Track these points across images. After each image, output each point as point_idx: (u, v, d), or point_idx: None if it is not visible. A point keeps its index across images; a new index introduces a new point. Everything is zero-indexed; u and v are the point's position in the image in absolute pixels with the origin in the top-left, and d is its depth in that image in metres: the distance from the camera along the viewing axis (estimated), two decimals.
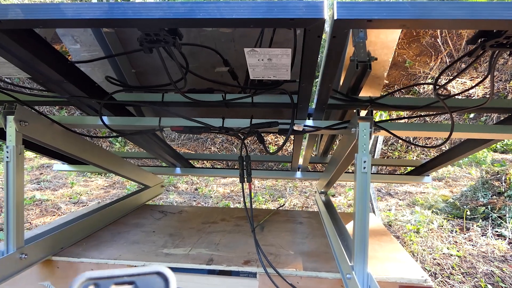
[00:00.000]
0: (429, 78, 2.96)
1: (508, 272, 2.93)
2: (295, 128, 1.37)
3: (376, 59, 1.29)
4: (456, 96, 1.63)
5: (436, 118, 4.58)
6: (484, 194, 4.12)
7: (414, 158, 4.53)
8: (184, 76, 1.21)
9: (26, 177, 6.12)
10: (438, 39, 3.03)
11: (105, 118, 1.49)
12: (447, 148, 2.05)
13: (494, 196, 4.02)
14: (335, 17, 0.80)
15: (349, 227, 2.03)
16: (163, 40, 0.96)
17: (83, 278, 0.35)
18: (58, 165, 2.48)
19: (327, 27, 0.96)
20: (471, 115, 3.86)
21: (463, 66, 3.76)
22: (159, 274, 0.36)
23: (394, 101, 1.46)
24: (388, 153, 4.67)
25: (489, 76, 1.07)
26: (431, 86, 3.71)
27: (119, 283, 0.35)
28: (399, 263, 1.51)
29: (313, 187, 5.57)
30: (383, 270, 1.43)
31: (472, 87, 1.23)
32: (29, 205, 4.78)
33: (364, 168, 1.19)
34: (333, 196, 5.08)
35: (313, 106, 1.44)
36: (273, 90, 1.32)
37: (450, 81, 1.13)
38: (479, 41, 0.94)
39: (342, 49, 0.94)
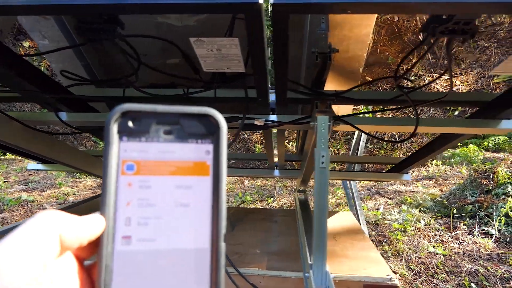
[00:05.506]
0: (412, 75, 2.95)
1: (492, 271, 2.90)
2: (256, 123, 1.33)
3: (337, 51, 1.24)
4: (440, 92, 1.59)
5: (422, 114, 4.55)
6: (472, 193, 4.09)
7: (401, 156, 4.49)
8: (135, 71, 1.16)
9: (14, 178, 6.07)
10: (420, 36, 2.99)
11: (64, 114, 1.44)
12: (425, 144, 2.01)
13: (482, 195, 3.99)
14: (271, 1, 0.76)
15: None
16: (101, 29, 0.91)
17: (121, 110, 0.30)
18: (31, 164, 2.43)
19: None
20: (456, 112, 3.84)
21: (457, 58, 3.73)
22: (209, 117, 0.32)
23: (359, 94, 1.42)
24: (374, 151, 4.63)
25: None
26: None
27: (162, 121, 0.31)
28: (367, 261, 1.47)
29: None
30: (349, 268, 1.39)
31: (434, 80, 1.20)
32: (14, 206, 4.72)
33: (322, 163, 1.15)
34: None
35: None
36: (231, 84, 1.28)
37: (407, 71, 1.09)
38: (430, 27, 0.90)
39: (286, 37, 0.89)
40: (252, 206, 4.68)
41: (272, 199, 4.89)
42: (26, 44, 3.19)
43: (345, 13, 0.78)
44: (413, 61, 2.78)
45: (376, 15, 1.68)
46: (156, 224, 0.30)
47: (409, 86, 1.27)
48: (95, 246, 0.30)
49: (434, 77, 2.83)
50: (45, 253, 0.26)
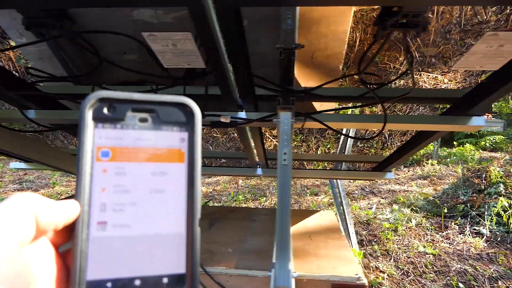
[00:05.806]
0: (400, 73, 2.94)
1: (481, 271, 2.87)
2: (223, 120, 1.31)
3: (303, 46, 1.22)
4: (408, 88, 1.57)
5: (413, 111, 4.50)
6: (465, 192, 4.06)
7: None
8: (95, 68, 1.15)
9: (9, 177, 6.09)
10: (408, 33, 2.96)
11: (32, 112, 1.43)
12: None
13: (474, 194, 3.96)
14: None
15: (303, 224, 1.98)
16: (48, 24, 0.90)
17: (96, 97, 0.30)
18: (14, 163, 2.43)
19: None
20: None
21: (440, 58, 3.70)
22: (184, 106, 0.33)
23: (329, 91, 1.40)
24: (364, 150, 4.60)
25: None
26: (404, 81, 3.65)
27: (137, 109, 0.31)
28: (338, 261, 1.45)
29: (297, 185, 5.51)
30: (318, 268, 1.37)
31: (397, 77, 1.18)
32: None
33: (285, 160, 1.13)
34: (316, 195, 5.02)
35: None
36: (199, 81, 1.27)
37: (367, 65, 1.08)
38: (381, 21, 0.88)
39: (238, 32, 0.88)
40: (244, 205, 4.67)
41: (264, 198, 4.88)
42: (13, 43, 3.18)
43: (289, 5, 0.76)
44: (400, 59, 2.78)
45: (352, 11, 1.66)
46: (132, 210, 0.30)
47: (392, 82, 1.25)
48: (70, 231, 0.30)
49: (422, 74, 2.82)
50: (21, 232, 0.26)
